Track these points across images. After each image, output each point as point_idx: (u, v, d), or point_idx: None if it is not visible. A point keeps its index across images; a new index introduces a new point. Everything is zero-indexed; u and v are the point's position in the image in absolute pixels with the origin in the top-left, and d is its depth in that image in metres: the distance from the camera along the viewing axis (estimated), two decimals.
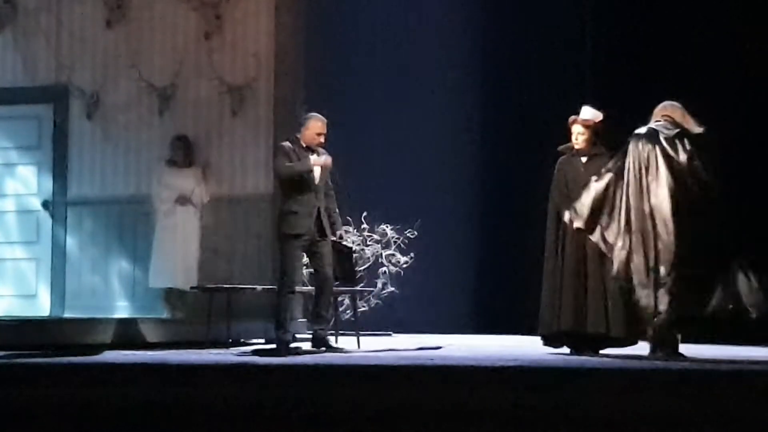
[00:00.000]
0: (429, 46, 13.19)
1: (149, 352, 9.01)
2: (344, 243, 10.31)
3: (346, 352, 9.58)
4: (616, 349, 9.12)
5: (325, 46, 12.71)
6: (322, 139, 9.75)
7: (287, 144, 9.74)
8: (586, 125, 9.37)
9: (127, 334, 10.16)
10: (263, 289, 10.62)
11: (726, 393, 6.78)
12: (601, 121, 9.39)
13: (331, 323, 10.37)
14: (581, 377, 7.54)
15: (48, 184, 12.44)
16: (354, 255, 10.91)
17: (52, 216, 12.38)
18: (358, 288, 11.20)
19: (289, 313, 9.59)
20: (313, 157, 9.62)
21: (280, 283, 9.61)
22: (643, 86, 12.49)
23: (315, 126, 9.75)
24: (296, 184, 9.58)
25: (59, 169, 12.39)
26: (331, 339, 9.93)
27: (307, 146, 9.71)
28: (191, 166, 11.76)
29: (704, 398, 6.50)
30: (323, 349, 9.56)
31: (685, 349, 8.95)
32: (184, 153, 11.73)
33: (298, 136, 9.76)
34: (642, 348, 9.15)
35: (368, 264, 12.37)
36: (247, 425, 5.55)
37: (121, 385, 7.25)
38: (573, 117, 9.43)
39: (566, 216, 9.16)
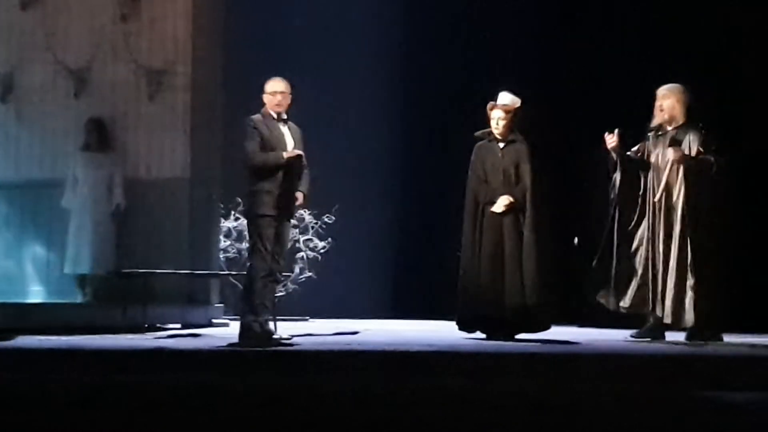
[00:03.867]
0: (351, 30, 13.18)
1: (64, 338, 8.93)
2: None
3: (293, 343, 8.76)
4: (530, 334, 9.19)
5: (245, 29, 12.65)
6: (279, 98, 8.84)
7: (256, 117, 8.86)
8: (507, 110, 9.42)
9: (42, 319, 10.05)
10: (180, 273, 10.53)
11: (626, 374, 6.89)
12: (519, 107, 9.45)
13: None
14: (496, 361, 7.60)
15: None
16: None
17: None
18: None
19: (263, 300, 8.78)
20: (286, 152, 8.73)
21: (252, 266, 8.79)
22: (559, 73, 12.63)
23: (271, 86, 8.89)
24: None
25: None
26: (273, 330, 9.12)
27: (277, 115, 8.88)
28: (107, 149, 11.63)
29: (623, 382, 6.60)
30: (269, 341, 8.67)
31: None
32: (98, 136, 11.60)
33: (265, 106, 8.89)
34: (554, 333, 9.25)
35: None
36: (166, 411, 5.54)
37: (36, 370, 7.19)
38: (492, 102, 9.47)
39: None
